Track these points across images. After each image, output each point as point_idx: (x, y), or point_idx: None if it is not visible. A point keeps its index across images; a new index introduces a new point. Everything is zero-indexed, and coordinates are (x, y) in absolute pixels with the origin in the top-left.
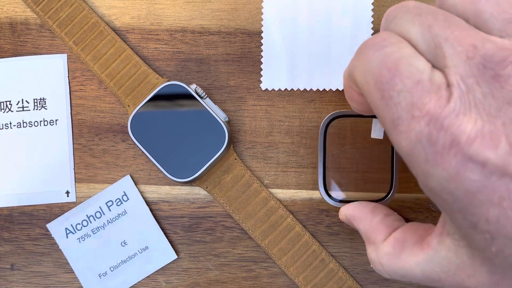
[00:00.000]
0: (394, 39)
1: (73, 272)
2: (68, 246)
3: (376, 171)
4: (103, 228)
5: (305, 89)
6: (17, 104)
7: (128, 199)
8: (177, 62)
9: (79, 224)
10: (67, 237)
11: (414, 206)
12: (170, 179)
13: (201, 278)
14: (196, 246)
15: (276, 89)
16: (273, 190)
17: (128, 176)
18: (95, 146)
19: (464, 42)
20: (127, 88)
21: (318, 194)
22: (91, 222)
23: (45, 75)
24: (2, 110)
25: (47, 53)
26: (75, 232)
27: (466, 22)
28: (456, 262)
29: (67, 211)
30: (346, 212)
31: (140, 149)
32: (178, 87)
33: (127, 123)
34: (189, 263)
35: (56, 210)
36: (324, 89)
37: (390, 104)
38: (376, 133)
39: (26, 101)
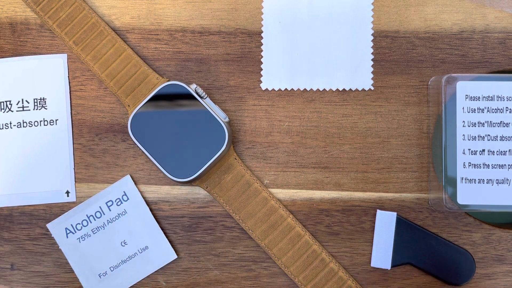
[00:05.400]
0: None
1: (73, 272)
2: (68, 246)
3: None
4: (103, 228)
5: (305, 89)
6: (17, 104)
7: (128, 199)
8: (177, 62)
9: (79, 224)
10: (67, 237)
11: (414, 206)
12: (170, 179)
13: (201, 278)
14: (196, 246)
15: (276, 89)
16: (273, 190)
17: (128, 176)
18: (95, 146)
19: None
20: (127, 88)
21: (318, 194)
22: (91, 222)
23: (45, 75)
24: (2, 110)
25: (47, 53)
26: (75, 232)
27: None
28: None
29: (67, 211)
30: None
31: (140, 149)
32: (178, 87)
33: (127, 123)
34: (189, 263)
35: (56, 210)
36: (324, 89)
37: None
38: None
39: (26, 101)
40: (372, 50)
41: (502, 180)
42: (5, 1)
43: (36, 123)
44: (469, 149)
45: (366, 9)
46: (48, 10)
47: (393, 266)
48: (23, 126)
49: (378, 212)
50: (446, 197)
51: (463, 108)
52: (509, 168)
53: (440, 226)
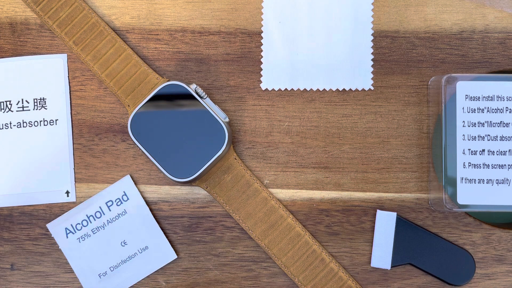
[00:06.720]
0: None
1: (73, 272)
2: (68, 246)
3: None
4: (103, 228)
5: (305, 89)
6: (17, 104)
7: (128, 199)
8: (177, 62)
9: (79, 224)
10: (67, 237)
11: (414, 206)
12: (170, 179)
13: (201, 278)
14: (196, 246)
15: (276, 89)
16: (273, 190)
17: (128, 176)
18: (95, 146)
19: None
20: (127, 88)
21: (318, 194)
22: (91, 222)
23: (45, 75)
24: (2, 110)
25: (47, 53)
26: (75, 232)
27: None
28: None
29: (67, 211)
30: None
31: (140, 149)
32: (178, 87)
33: (127, 123)
34: (189, 263)
35: (56, 210)
36: (324, 89)
37: None
38: None
39: (26, 101)
40: (372, 50)
41: (502, 180)
42: (5, 1)
43: (36, 123)
44: (469, 149)
45: (366, 9)
46: (48, 10)
47: (393, 266)
48: (23, 126)
49: (378, 212)
50: (446, 197)
51: (463, 108)
52: (509, 168)
53: (440, 226)
